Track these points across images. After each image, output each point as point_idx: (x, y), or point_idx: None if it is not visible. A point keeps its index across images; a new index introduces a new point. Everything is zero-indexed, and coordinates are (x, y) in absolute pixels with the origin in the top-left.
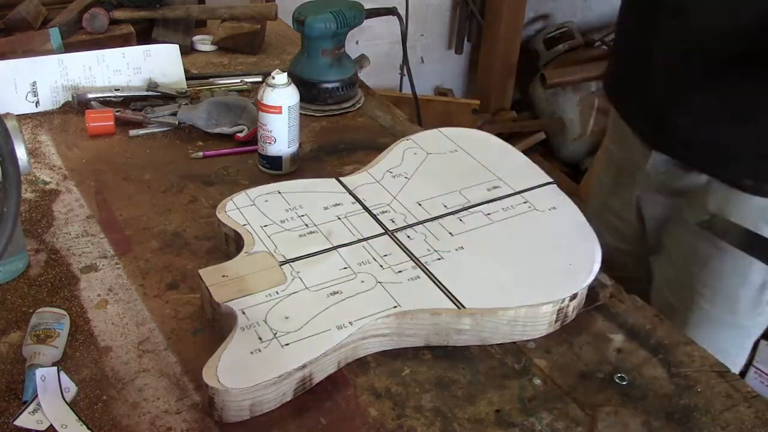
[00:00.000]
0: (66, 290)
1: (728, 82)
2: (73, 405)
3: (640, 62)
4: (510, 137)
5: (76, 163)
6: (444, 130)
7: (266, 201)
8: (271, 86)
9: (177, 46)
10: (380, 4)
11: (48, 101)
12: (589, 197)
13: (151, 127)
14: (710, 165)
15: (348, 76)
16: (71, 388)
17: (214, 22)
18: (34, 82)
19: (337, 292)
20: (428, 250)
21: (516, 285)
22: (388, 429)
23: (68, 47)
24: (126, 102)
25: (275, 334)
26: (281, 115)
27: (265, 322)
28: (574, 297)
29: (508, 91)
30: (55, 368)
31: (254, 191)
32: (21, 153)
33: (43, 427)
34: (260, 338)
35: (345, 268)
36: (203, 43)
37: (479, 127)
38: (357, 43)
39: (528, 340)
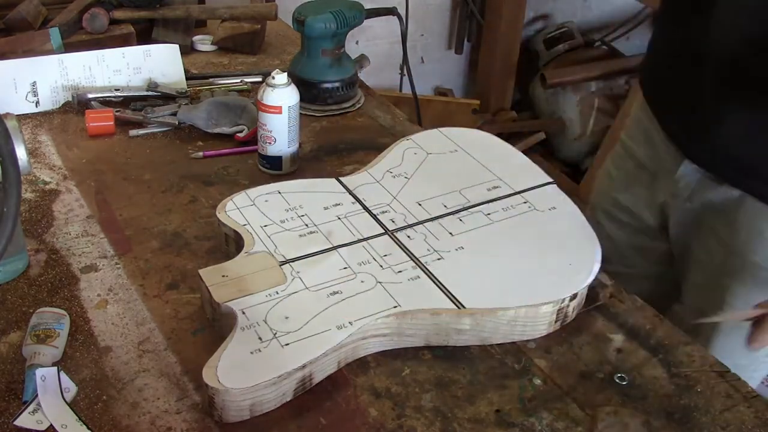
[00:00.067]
0: (66, 290)
1: None
2: (73, 405)
3: (690, 72)
4: (510, 137)
5: (76, 163)
6: (444, 130)
7: (266, 201)
8: (271, 86)
9: (177, 46)
10: (380, 4)
11: (48, 101)
12: (593, 191)
13: (151, 127)
14: (746, 181)
15: (348, 76)
16: (71, 388)
17: (214, 22)
18: (34, 82)
19: (337, 292)
20: (428, 250)
21: (516, 285)
22: (388, 429)
23: (68, 47)
24: (126, 102)
25: (275, 334)
26: (281, 115)
27: (265, 322)
28: (574, 297)
29: (508, 91)
30: (55, 368)
31: (254, 191)
32: (21, 153)
33: (43, 427)
34: (260, 338)
35: (345, 268)
36: (203, 43)
37: (479, 127)
38: (357, 43)
39: (528, 340)
